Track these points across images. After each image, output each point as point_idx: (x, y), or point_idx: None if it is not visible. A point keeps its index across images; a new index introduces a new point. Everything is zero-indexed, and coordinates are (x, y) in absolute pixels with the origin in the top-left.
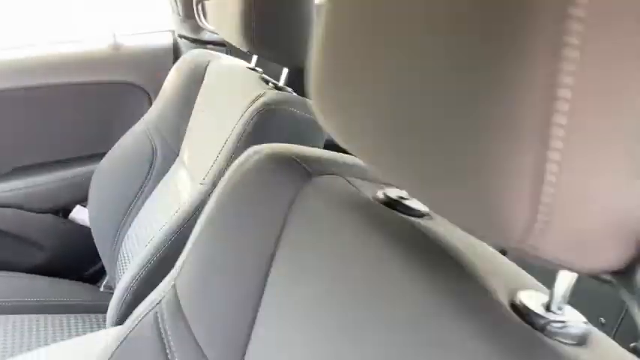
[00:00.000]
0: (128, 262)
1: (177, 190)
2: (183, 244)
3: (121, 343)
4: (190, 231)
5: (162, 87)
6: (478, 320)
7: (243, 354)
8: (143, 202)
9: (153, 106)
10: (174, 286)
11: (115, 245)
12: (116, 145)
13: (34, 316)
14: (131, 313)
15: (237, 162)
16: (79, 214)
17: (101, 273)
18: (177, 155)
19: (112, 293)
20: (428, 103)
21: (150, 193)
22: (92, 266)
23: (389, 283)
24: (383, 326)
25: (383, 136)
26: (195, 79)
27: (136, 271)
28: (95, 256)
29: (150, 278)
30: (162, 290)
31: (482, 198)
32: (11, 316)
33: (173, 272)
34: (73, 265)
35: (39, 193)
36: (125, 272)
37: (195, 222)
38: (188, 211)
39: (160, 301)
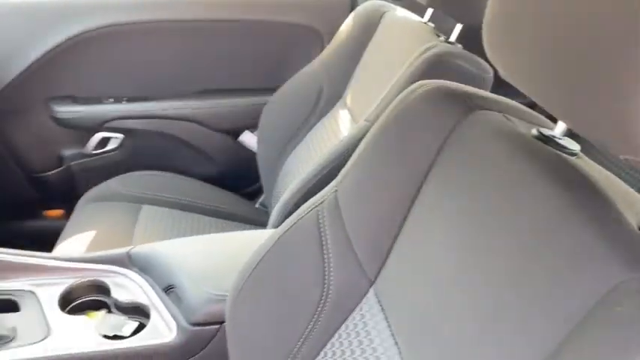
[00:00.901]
0: (286, 184)
1: (338, 128)
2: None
3: (286, 231)
4: (347, 159)
5: (337, 33)
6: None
7: (387, 257)
8: (304, 136)
9: (325, 50)
10: (336, 192)
11: (275, 169)
12: (288, 81)
13: (201, 217)
14: None
15: (403, 93)
16: (247, 138)
17: (258, 192)
18: (341, 98)
19: (266, 210)
20: (593, 43)
21: (311, 128)
22: (251, 185)
23: (534, 207)
24: (519, 239)
25: (545, 69)
26: (369, 28)
27: (299, 186)
28: (255, 177)
29: (309, 195)
30: (324, 194)
31: (625, 120)
32: (183, 213)
33: (337, 180)
34: (235, 181)
35: (218, 114)
36: (286, 190)
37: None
38: (348, 142)
39: (322, 202)
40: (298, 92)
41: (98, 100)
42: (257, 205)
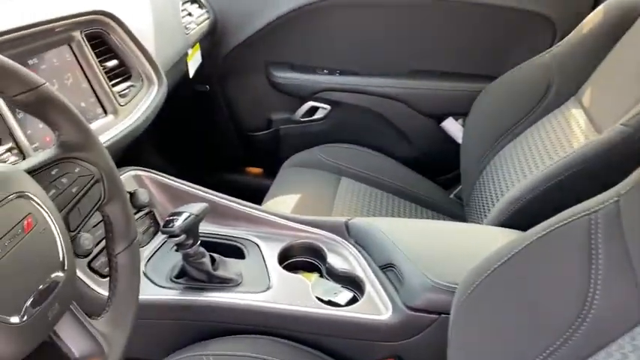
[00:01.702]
0: (492, 181)
1: (570, 129)
2: (579, 178)
3: (543, 235)
4: (597, 164)
5: (579, 26)
6: None
7: None
8: (521, 132)
9: (563, 41)
10: (617, 201)
11: (479, 162)
12: (510, 71)
13: (398, 199)
14: (509, 225)
15: None
16: (450, 125)
17: (452, 182)
18: (574, 96)
19: (461, 203)
20: None
21: (531, 125)
22: (446, 173)
23: None
24: None
25: None
26: (622, 25)
27: (528, 187)
28: (452, 166)
29: (539, 199)
30: (599, 201)
31: None
32: (380, 192)
33: (617, 188)
34: (431, 167)
35: (425, 96)
36: (511, 189)
37: (606, 158)
38: (596, 147)
39: (598, 210)
40: (522, 84)
41: (312, 70)
42: (451, 196)
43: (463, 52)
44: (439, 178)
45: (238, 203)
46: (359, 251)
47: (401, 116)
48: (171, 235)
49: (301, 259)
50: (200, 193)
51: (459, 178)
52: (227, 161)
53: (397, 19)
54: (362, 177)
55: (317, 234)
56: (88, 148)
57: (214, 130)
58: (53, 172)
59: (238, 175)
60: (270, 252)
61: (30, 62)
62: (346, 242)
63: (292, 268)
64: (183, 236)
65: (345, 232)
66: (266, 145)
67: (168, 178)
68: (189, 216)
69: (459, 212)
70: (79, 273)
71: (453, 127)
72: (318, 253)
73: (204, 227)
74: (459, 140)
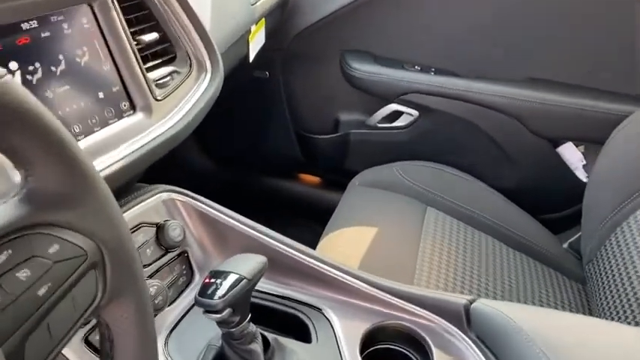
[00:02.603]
0: (632, 247)
1: None
2: None
3: None
4: None
5: None
6: None
7: None
8: None
9: None
10: None
11: (615, 215)
12: None
13: (495, 241)
14: None
15: None
16: (568, 152)
17: (563, 224)
18: None
19: (578, 258)
20: None
21: None
22: (555, 212)
23: None
24: None
25: None
26: None
27: None
28: (564, 203)
29: None
30: None
31: None
32: (473, 230)
33: None
34: (537, 201)
35: (542, 112)
36: None
37: None
38: None
39: None
40: None
41: (400, 65)
42: (565, 246)
43: (601, 61)
44: (545, 216)
45: (308, 255)
46: (482, 352)
47: (506, 133)
48: (211, 311)
49: (392, 346)
50: (254, 234)
51: (571, 221)
52: (281, 165)
53: (513, 6)
54: (451, 208)
55: (417, 314)
56: (81, 202)
57: (269, 126)
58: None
59: (292, 183)
60: (349, 334)
61: (25, 27)
62: (463, 336)
63: (376, 357)
64: (227, 311)
65: (464, 319)
66: (330, 151)
67: (212, 207)
68: (238, 280)
69: (575, 270)
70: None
71: (571, 154)
72: (418, 345)
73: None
74: (578, 172)
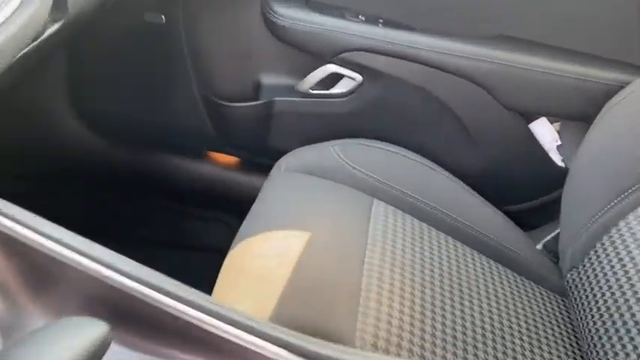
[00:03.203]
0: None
1: None
2: None
3: None
4: None
5: None
6: None
7: None
8: None
9: None
10: None
11: (605, 214)
12: None
13: (449, 240)
14: None
15: None
16: (541, 129)
17: (536, 217)
18: None
19: (554, 261)
20: None
21: None
22: (525, 201)
23: None
24: None
25: None
26: None
27: None
28: (535, 191)
29: None
30: None
31: None
32: (427, 228)
33: None
34: (503, 188)
35: (515, 78)
36: None
37: None
38: None
39: None
40: None
41: (340, 13)
42: (539, 247)
43: (593, 18)
44: (512, 207)
45: (196, 306)
46: None
47: (470, 104)
48: None
49: None
50: (94, 269)
51: (545, 214)
52: (185, 141)
53: None
54: (405, 202)
55: None
56: None
57: (168, 89)
58: None
59: (200, 164)
60: None
61: None
62: None
63: None
64: None
65: None
66: (249, 124)
67: (20, 222)
68: None
69: (551, 277)
70: None
71: (545, 132)
72: None
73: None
74: (552, 154)
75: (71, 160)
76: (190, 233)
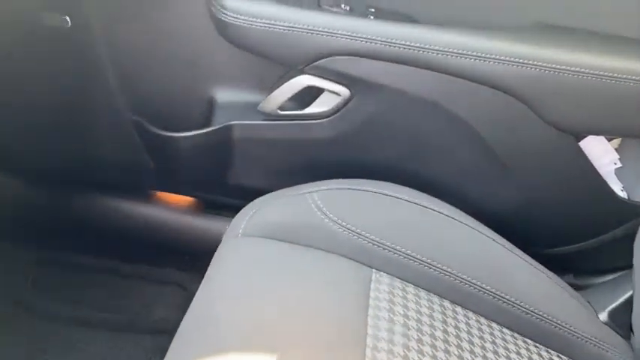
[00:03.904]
0: None
1: None
2: None
3: None
4: None
5: None
6: None
7: None
8: None
9: None
10: None
11: None
12: None
13: (483, 321)
14: None
15: None
16: (594, 147)
17: (591, 263)
18: None
19: (620, 333)
20: None
21: None
22: (577, 242)
23: None
24: None
25: None
26: None
27: None
28: (594, 229)
29: None
30: None
31: None
32: (449, 306)
33: None
34: (563, 229)
35: (561, 84)
36: None
37: None
38: None
39: None
40: None
41: (314, 1)
42: (604, 317)
43: None
44: (558, 250)
45: None
46: None
47: (504, 123)
48: None
49: None
50: None
51: (603, 256)
52: (122, 177)
53: None
54: (418, 272)
55: None
56: None
57: (87, 113)
58: None
59: (143, 206)
60: None
61: None
62: None
63: None
64: None
65: None
66: (201, 156)
67: None
68: None
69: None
70: None
71: (601, 152)
72: None
73: None
74: (609, 180)
75: None
76: (131, 304)
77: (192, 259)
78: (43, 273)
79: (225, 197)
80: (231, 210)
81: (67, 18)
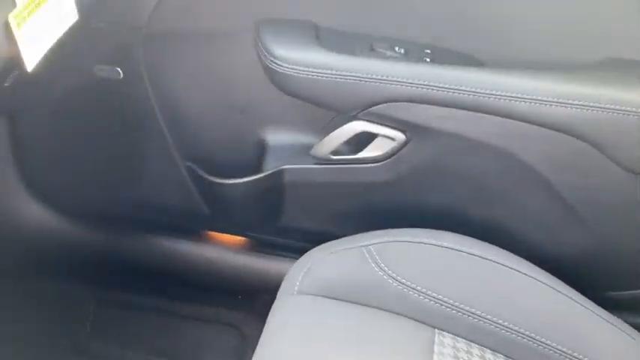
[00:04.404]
0: None
1: None
2: None
3: None
4: None
5: None
6: None
7: None
8: None
9: None
10: None
11: None
12: None
13: None
14: None
15: None
16: None
17: None
18: None
19: None
20: None
21: None
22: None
23: None
24: None
25: None
26: None
27: None
28: None
29: None
30: None
31: None
32: None
33: None
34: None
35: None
36: None
37: None
38: None
39: None
40: None
41: (367, 45)
42: None
43: None
44: (624, 293)
45: None
46: None
47: (571, 167)
48: None
49: None
50: None
51: None
52: (175, 220)
53: None
54: (487, 332)
55: None
56: None
57: (141, 159)
58: None
59: (196, 245)
60: None
61: None
62: None
63: None
64: None
65: None
66: (253, 202)
67: None
68: None
69: None
70: None
71: None
72: None
73: None
74: None
75: (35, 251)
76: (185, 344)
77: (245, 298)
78: (100, 313)
79: (279, 238)
80: (284, 249)
81: (119, 69)
